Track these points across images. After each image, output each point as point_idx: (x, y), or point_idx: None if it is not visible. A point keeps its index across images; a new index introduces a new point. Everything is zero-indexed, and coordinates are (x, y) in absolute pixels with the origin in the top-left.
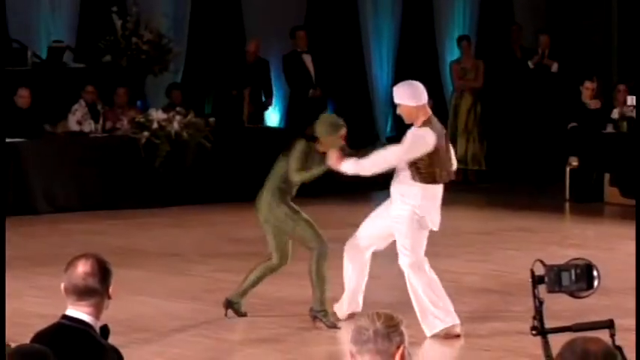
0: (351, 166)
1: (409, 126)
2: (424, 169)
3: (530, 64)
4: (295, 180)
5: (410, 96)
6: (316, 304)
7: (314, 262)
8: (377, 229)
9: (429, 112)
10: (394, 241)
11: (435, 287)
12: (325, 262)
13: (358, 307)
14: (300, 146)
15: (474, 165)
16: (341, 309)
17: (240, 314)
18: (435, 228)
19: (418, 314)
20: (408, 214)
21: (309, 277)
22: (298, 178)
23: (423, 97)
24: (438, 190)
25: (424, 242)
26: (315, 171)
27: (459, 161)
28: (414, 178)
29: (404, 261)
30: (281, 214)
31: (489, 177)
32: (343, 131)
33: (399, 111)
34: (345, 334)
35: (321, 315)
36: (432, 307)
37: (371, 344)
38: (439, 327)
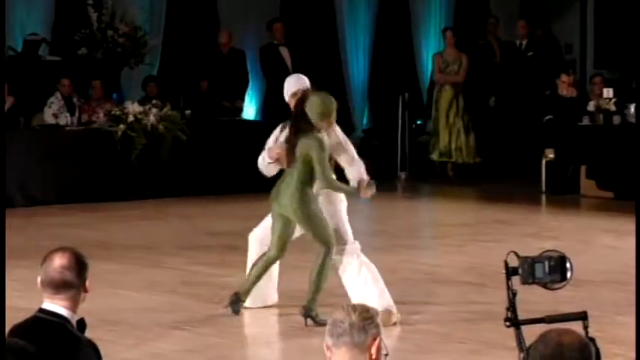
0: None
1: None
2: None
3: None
4: (323, 185)
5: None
6: (310, 302)
7: (321, 261)
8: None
9: None
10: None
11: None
12: (329, 262)
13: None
14: (317, 144)
15: (465, 158)
16: None
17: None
18: None
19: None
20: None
21: (311, 274)
22: (326, 185)
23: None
24: None
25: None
26: (346, 188)
27: (442, 154)
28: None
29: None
30: (310, 211)
31: (467, 170)
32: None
33: (293, 99)
34: (320, 327)
35: (314, 314)
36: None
37: (347, 337)
38: None
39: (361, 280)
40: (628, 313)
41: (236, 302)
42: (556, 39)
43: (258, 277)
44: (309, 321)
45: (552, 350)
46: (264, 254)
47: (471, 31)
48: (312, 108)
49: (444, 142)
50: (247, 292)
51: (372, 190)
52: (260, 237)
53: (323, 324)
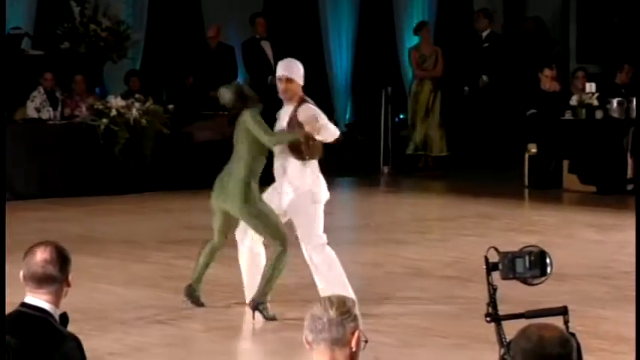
0: (325, 134)
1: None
2: (315, 144)
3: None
4: (272, 144)
5: (302, 75)
6: (259, 295)
7: (275, 256)
8: None
9: None
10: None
11: None
12: (285, 258)
13: None
14: (251, 114)
15: (434, 151)
16: None
17: (199, 304)
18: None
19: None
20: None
21: (265, 268)
22: (274, 141)
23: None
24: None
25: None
26: (290, 135)
27: (417, 148)
28: (304, 156)
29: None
30: (253, 210)
31: (449, 163)
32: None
33: (285, 86)
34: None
35: (262, 307)
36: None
37: (326, 333)
38: None
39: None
40: (610, 307)
41: (192, 293)
42: (548, 32)
43: (206, 265)
44: (258, 314)
45: (533, 345)
46: (208, 242)
47: (454, 24)
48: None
49: (420, 135)
50: (199, 280)
51: (315, 124)
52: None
53: (271, 319)
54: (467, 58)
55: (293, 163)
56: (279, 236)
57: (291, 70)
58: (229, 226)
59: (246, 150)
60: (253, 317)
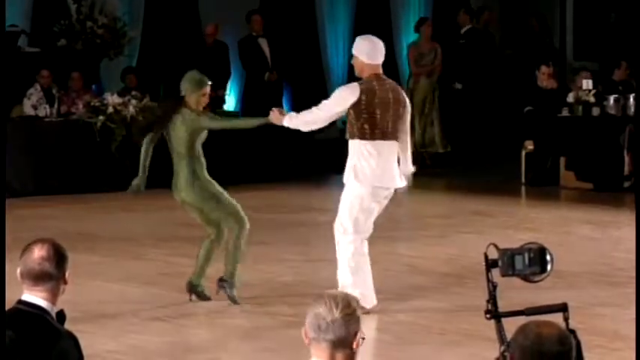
0: (291, 121)
1: None
2: (354, 123)
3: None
4: (214, 126)
5: (366, 52)
6: (227, 274)
7: (235, 238)
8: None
9: (379, 71)
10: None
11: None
12: (244, 239)
13: None
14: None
15: (435, 148)
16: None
17: (205, 298)
18: (394, 185)
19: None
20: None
21: (226, 250)
22: (217, 124)
23: (378, 56)
24: (378, 146)
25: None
26: (243, 122)
27: (415, 145)
28: (352, 136)
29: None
30: (202, 194)
31: (446, 161)
32: (207, 89)
33: (352, 61)
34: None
35: (228, 285)
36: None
37: (329, 334)
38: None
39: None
40: (608, 305)
41: (193, 289)
42: (549, 31)
43: (206, 259)
44: (194, 296)
45: (532, 342)
46: (209, 241)
47: (450, 22)
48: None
49: (418, 133)
50: (199, 275)
51: (277, 116)
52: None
53: (206, 299)
54: (446, 54)
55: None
56: (233, 213)
57: (354, 47)
58: (208, 215)
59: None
60: (190, 299)
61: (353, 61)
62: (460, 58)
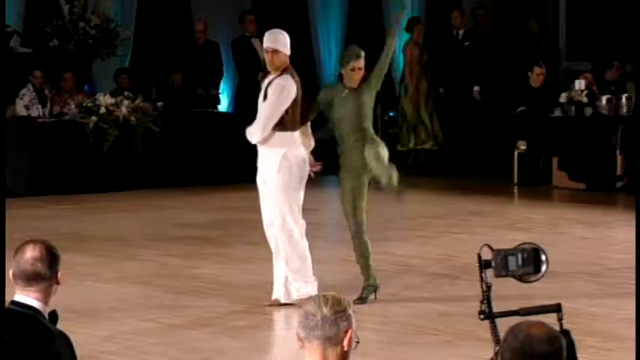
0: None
1: None
2: (291, 117)
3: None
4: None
5: (286, 44)
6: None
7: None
8: None
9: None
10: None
11: None
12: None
13: None
14: None
15: (430, 146)
16: None
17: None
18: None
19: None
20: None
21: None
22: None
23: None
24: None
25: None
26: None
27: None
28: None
29: None
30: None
31: (438, 160)
32: (353, 63)
33: (271, 57)
34: (295, 319)
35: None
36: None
37: (318, 331)
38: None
39: None
40: (600, 305)
41: (369, 293)
42: (548, 33)
43: (363, 257)
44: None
45: (521, 342)
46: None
47: (442, 22)
48: None
49: (411, 131)
50: (366, 276)
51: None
52: None
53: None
54: (444, 58)
55: None
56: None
57: (276, 41)
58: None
59: None
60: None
61: (273, 57)
62: (462, 60)
